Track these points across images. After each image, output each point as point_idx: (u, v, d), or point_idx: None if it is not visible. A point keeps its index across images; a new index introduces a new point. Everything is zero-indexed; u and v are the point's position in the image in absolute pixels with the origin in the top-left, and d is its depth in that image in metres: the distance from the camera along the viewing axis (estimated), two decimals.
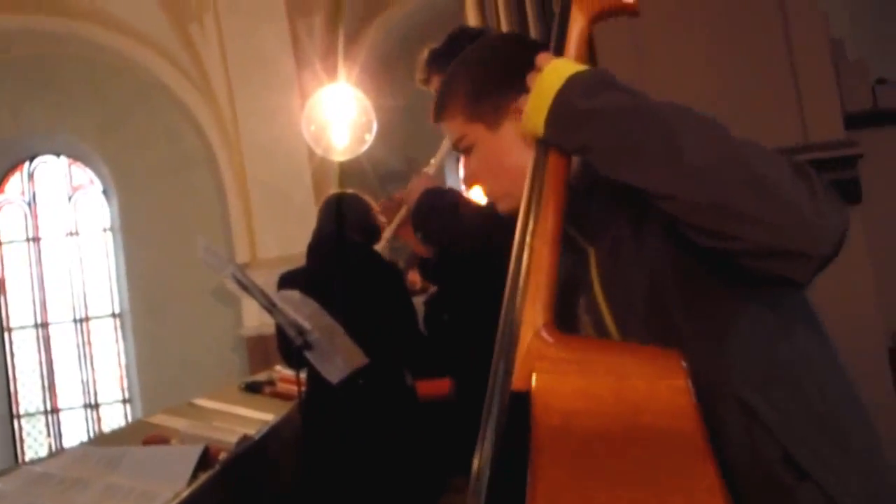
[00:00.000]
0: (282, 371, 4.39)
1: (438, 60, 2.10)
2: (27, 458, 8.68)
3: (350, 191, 3.19)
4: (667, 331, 1.07)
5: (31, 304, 8.89)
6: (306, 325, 2.16)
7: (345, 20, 7.83)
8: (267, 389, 3.83)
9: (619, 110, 1.02)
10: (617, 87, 1.05)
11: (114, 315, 8.94)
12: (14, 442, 8.68)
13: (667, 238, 1.08)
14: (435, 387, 3.37)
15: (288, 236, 7.82)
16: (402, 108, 7.79)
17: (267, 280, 8.02)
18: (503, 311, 1.04)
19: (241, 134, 7.95)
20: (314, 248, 3.03)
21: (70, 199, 9.11)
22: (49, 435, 8.73)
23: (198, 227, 8.53)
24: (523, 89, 1.23)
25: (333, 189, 8.61)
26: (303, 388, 2.52)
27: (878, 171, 3.26)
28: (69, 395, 8.84)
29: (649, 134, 0.99)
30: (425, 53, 2.17)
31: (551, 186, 1.07)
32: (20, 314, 8.89)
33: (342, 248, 2.81)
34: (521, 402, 0.93)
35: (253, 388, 3.82)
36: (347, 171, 8.02)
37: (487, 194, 1.32)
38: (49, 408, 8.78)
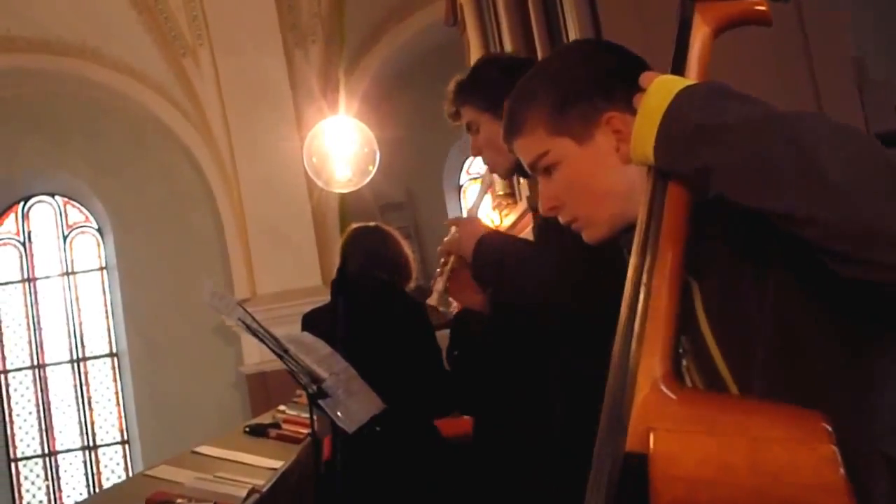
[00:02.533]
0: (286, 412, 4.25)
1: (466, 92, 1.99)
2: (24, 503, 8.48)
3: (373, 223, 3.06)
4: (794, 381, 0.94)
5: (26, 346, 8.73)
6: (321, 372, 2.04)
7: (343, 50, 7.77)
8: (272, 433, 3.69)
9: (742, 122, 0.87)
10: (735, 95, 0.91)
11: (111, 354, 8.79)
12: (11, 486, 8.48)
13: (797, 276, 0.93)
14: (455, 426, 3.24)
15: (287, 272, 7.71)
16: (401, 138, 7.73)
17: (266, 317, 7.91)
18: (613, 356, 0.91)
19: (238, 169, 7.85)
20: (337, 285, 2.90)
21: (65, 238, 8.99)
22: (47, 478, 8.54)
23: (195, 264, 8.42)
24: (616, 99, 1.11)
25: (334, 223, 8.54)
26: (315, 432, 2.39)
27: None
28: (67, 437, 8.66)
29: (783, 148, 0.84)
30: (451, 85, 2.06)
31: (671, 218, 0.92)
32: (16, 356, 8.74)
33: (366, 286, 2.68)
34: (636, 466, 0.81)
35: (257, 432, 3.69)
36: (348, 204, 7.93)
37: (571, 220, 1.16)
38: (47, 450, 8.60)
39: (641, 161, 0.95)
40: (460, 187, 9.52)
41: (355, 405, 2.10)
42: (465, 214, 9.73)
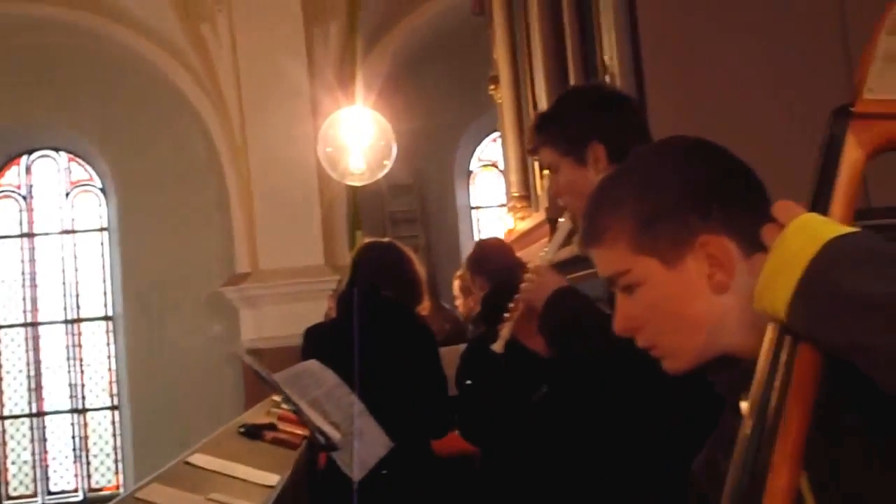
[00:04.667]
0: (282, 407, 4.13)
1: (547, 131, 1.84)
2: (10, 462, 8.40)
3: (387, 240, 2.94)
4: None
5: (21, 302, 8.61)
6: (333, 432, 1.92)
7: (361, 30, 7.57)
8: (268, 435, 3.57)
9: None
10: None
11: (106, 318, 8.67)
12: None
13: None
14: (453, 443, 3.13)
15: (290, 249, 7.56)
16: (414, 121, 7.57)
17: (266, 293, 7.80)
18: None
19: (248, 141, 7.68)
20: (343, 302, 2.79)
21: (67, 195, 8.84)
22: (33, 439, 8.45)
23: (198, 233, 8.29)
24: (713, 219, 0.96)
25: (341, 202, 8.39)
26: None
27: None
28: (56, 398, 8.56)
29: None
30: (534, 118, 1.92)
31: (797, 390, 0.77)
32: (9, 311, 8.61)
33: (373, 305, 2.56)
34: None
35: (252, 434, 3.56)
36: (355, 186, 7.78)
37: (649, 346, 1.02)
38: (35, 410, 8.51)
39: (767, 311, 0.80)
40: (470, 173, 9.37)
41: (363, 449, 1.97)
42: (473, 202, 9.60)
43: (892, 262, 0.74)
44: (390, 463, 2.44)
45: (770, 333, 0.81)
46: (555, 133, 1.80)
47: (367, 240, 2.97)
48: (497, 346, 1.84)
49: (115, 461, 8.53)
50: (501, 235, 5.08)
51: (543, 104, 4.06)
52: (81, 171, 8.86)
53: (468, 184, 9.36)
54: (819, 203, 0.81)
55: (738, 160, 1.07)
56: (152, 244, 8.32)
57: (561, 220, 1.94)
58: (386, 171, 5.23)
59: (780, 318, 0.78)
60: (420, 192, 8.80)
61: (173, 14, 7.62)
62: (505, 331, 1.84)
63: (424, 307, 5.44)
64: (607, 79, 3.16)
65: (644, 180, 1.05)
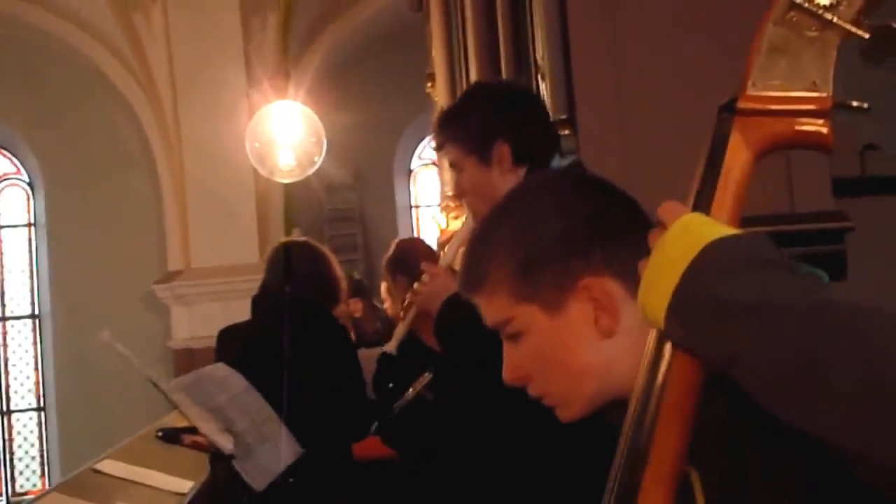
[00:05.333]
0: None
1: (452, 127, 1.76)
2: None
3: (302, 238, 2.86)
4: None
5: None
6: (224, 443, 1.83)
7: (299, 25, 7.45)
8: (186, 439, 3.45)
9: (792, 306, 0.64)
10: (783, 265, 0.68)
11: (33, 316, 8.40)
12: None
13: (813, 472, 0.72)
14: (372, 447, 3.07)
15: (225, 246, 7.40)
16: (351, 119, 7.48)
17: (199, 291, 7.62)
18: None
19: (182, 135, 7.50)
20: (258, 302, 2.70)
21: None
22: None
23: (129, 229, 8.07)
24: (595, 260, 0.89)
25: (278, 198, 8.24)
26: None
27: (864, 243, 3.04)
28: None
29: (842, 353, 0.61)
30: (438, 114, 1.85)
31: (674, 403, 0.71)
32: None
33: (288, 305, 2.47)
34: None
35: (170, 438, 3.43)
36: (292, 183, 7.65)
37: (540, 396, 0.95)
38: None
39: (648, 319, 0.74)
40: (411, 171, 9.29)
41: (266, 456, 1.89)
42: (413, 200, 9.54)
43: (770, 266, 0.68)
44: (307, 469, 2.36)
45: (650, 343, 0.75)
46: (458, 131, 1.74)
47: (282, 239, 2.89)
48: (389, 347, 1.79)
49: (41, 464, 8.27)
50: (435, 234, 5.02)
51: None
52: (9, 164, 8.57)
53: (409, 182, 9.28)
54: (700, 205, 0.74)
55: (621, 193, 1.02)
56: (82, 240, 8.08)
57: (463, 220, 1.89)
58: (316, 167, 5.13)
59: (659, 326, 0.72)
60: (360, 190, 8.70)
61: (105, 3, 7.40)
62: (398, 332, 1.79)
63: (356, 308, 5.35)
64: (539, 78, 3.12)
65: (522, 223, 0.98)
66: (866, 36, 0.69)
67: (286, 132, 4.56)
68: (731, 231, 0.71)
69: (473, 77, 4.19)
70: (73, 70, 7.95)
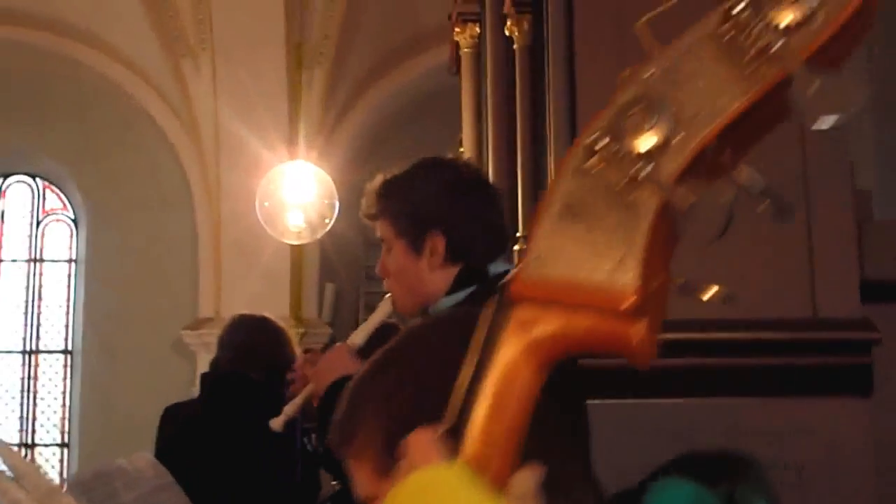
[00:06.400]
0: None
1: (391, 198, 1.56)
2: None
3: (260, 315, 2.70)
4: None
5: None
6: None
7: (341, 84, 7.42)
8: None
9: None
10: None
11: (66, 351, 8.40)
12: None
13: None
14: None
15: (256, 298, 7.26)
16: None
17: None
18: None
19: (222, 180, 7.49)
20: (204, 381, 2.55)
21: (38, 223, 8.64)
22: None
23: (165, 271, 8.05)
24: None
25: (313, 252, 8.13)
26: None
27: (894, 357, 2.74)
28: (4, 430, 8.25)
29: None
30: (377, 181, 1.63)
31: None
32: None
33: (236, 387, 2.31)
34: None
35: None
36: (331, 235, 7.57)
37: None
38: None
39: None
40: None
41: None
42: None
43: None
44: None
45: None
46: (394, 207, 1.54)
47: (239, 313, 2.73)
48: (275, 423, 1.59)
49: None
50: None
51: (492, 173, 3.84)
52: (56, 199, 8.67)
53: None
54: (454, 444, 0.53)
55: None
56: (119, 279, 8.08)
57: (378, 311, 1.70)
58: (327, 229, 5.00)
59: None
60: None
61: (157, 47, 7.49)
62: (288, 408, 1.60)
63: None
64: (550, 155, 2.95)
65: (383, 392, 0.84)
66: (686, 205, 0.48)
67: (298, 193, 4.44)
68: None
69: (491, 146, 4.03)
70: (122, 111, 8.03)
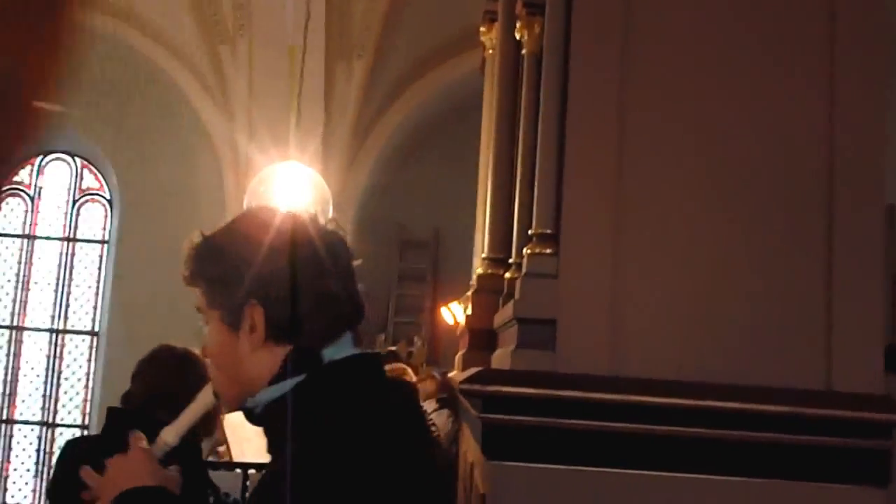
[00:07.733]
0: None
1: (204, 260, 1.21)
2: None
3: (181, 349, 2.41)
4: None
5: (10, 303, 8.35)
6: None
7: (381, 79, 7.16)
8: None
9: None
10: None
11: (92, 333, 8.33)
12: None
13: None
14: None
15: None
16: (433, 178, 7.10)
17: None
18: None
19: (253, 167, 7.30)
20: (108, 414, 2.27)
21: (75, 203, 8.59)
22: None
23: None
24: None
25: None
26: None
27: None
28: (28, 408, 8.24)
29: None
30: (195, 238, 1.28)
31: None
32: None
33: (139, 425, 2.03)
34: None
35: None
36: (366, 228, 7.34)
37: None
38: (4, 417, 8.20)
39: None
40: None
41: None
42: None
43: None
44: None
45: None
46: (207, 271, 1.21)
47: (161, 343, 2.45)
48: None
49: None
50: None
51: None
52: (93, 179, 8.61)
53: None
54: None
55: None
56: (147, 263, 7.96)
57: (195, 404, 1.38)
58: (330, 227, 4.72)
59: None
60: (435, 250, 8.30)
61: (196, 32, 7.32)
62: None
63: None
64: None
65: None
66: None
67: (288, 195, 4.15)
68: None
69: (492, 151, 3.72)
70: (159, 92, 7.91)
